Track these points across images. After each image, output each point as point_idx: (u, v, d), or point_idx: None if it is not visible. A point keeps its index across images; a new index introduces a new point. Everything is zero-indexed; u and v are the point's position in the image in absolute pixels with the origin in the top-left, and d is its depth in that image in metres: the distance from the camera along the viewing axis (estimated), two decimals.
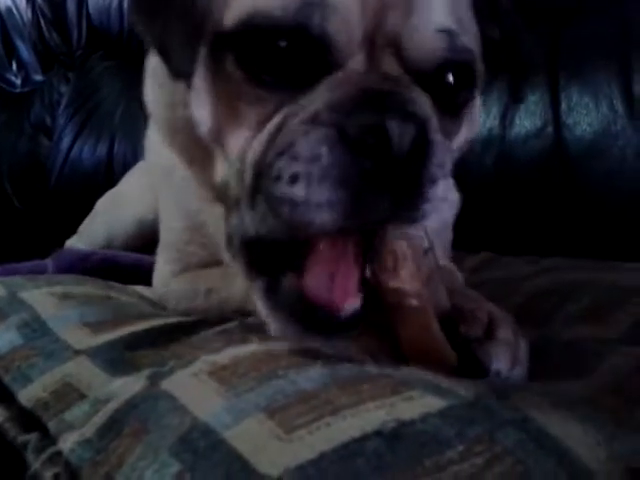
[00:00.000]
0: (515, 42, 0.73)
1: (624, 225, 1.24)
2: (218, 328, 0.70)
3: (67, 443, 0.52)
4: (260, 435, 0.42)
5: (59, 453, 0.52)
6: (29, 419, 0.61)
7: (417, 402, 0.44)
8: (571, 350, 0.63)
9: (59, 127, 2.35)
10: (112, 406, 0.53)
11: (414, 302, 0.58)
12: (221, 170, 0.63)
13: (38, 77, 2.56)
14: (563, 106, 1.27)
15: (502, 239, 1.28)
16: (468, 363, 0.58)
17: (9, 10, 2.57)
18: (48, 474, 0.52)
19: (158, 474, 0.42)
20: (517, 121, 1.32)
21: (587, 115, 1.25)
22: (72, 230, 1.62)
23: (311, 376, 0.49)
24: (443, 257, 0.88)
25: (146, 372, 0.56)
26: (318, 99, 0.54)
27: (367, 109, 0.52)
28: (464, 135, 0.68)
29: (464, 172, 0.80)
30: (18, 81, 2.64)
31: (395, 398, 0.45)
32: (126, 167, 1.87)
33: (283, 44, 0.55)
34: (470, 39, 0.62)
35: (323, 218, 0.52)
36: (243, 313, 0.77)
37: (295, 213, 0.53)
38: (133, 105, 2.12)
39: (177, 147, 0.70)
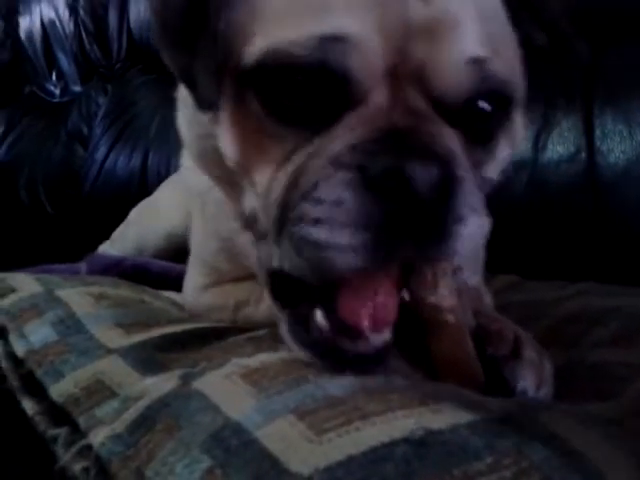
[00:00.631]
0: (564, 49, 0.70)
1: None
2: (248, 334, 0.71)
3: (98, 437, 0.53)
4: (291, 436, 0.43)
5: (89, 447, 0.53)
6: (60, 414, 0.62)
7: (445, 414, 0.45)
8: (597, 373, 0.63)
9: (95, 137, 2.40)
10: (144, 403, 0.54)
11: (450, 318, 0.59)
12: (249, 202, 0.63)
13: (77, 88, 2.61)
14: (597, 132, 1.27)
15: (531, 263, 1.27)
16: (495, 382, 0.59)
17: (52, 22, 2.63)
18: (77, 467, 0.53)
19: (188, 469, 0.43)
20: (550, 146, 1.31)
21: (621, 142, 1.24)
22: (102, 238, 1.65)
23: (340, 383, 0.50)
24: (474, 278, 0.87)
25: (178, 372, 0.57)
26: (339, 139, 0.53)
27: (388, 150, 0.51)
28: (503, 155, 0.66)
29: (495, 195, 0.81)
30: (57, 91, 2.70)
31: (423, 409, 0.45)
32: (159, 179, 1.89)
33: (303, 80, 0.54)
34: (504, 61, 0.59)
35: (346, 260, 0.50)
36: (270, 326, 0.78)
37: (318, 255, 0.51)
38: (168, 119, 2.13)
39: (209, 174, 0.71)
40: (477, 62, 0.56)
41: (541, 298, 0.97)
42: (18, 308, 0.82)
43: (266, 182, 0.59)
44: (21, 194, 2.55)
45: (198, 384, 0.54)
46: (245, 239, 0.74)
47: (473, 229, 0.53)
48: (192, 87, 0.60)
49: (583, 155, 1.28)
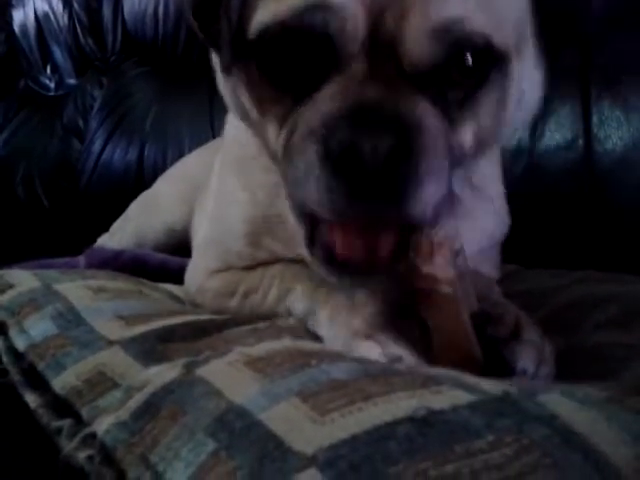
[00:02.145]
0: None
1: None
2: (249, 326, 0.72)
3: (102, 425, 0.53)
4: (295, 417, 0.44)
5: (93, 436, 0.54)
6: (62, 406, 0.63)
7: (446, 395, 0.45)
8: (597, 355, 0.63)
9: (91, 130, 2.39)
10: (147, 391, 0.54)
11: (446, 289, 0.59)
12: (272, 148, 0.70)
13: (72, 81, 2.61)
14: (594, 119, 1.28)
15: (530, 251, 1.27)
16: (494, 362, 0.59)
17: (46, 15, 2.62)
18: (82, 455, 0.53)
19: (193, 452, 0.44)
20: (547, 133, 1.32)
21: (618, 128, 1.25)
22: (99, 231, 1.66)
23: (343, 368, 0.50)
24: (493, 272, 0.92)
25: (181, 361, 0.58)
26: (316, 108, 0.61)
27: (349, 125, 0.57)
28: (498, 111, 0.66)
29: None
30: (52, 84, 2.69)
31: (425, 390, 0.46)
32: (156, 172, 1.89)
33: (293, 49, 0.61)
34: (492, 13, 0.60)
35: (319, 211, 0.61)
36: (273, 317, 0.78)
37: (301, 205, 0.64)
38: (164, 111, 2.16)
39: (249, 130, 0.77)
40: (447, 27, 0.58)
41: (541, 287, 0.98)
42: (17, 304, 0.82)
43: (274, 137, 0.67)
44: (17, 189, 2.55)
45: (201, 371, 0.54)
46: (281, 209, 0.80)
47: (431, 192, 0.59)
48: (218, 52, 0.70)
49: (580, 142, 1.28)
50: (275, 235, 0.85)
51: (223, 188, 0.96)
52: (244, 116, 0.74)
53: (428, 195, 0.59)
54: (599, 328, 0.72)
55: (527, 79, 0.69)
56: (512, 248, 1.01)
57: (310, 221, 0.66)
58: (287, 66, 0.63)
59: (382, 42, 0.59)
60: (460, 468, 0.38)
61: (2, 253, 1.62)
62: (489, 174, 0.88)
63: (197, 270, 0.96)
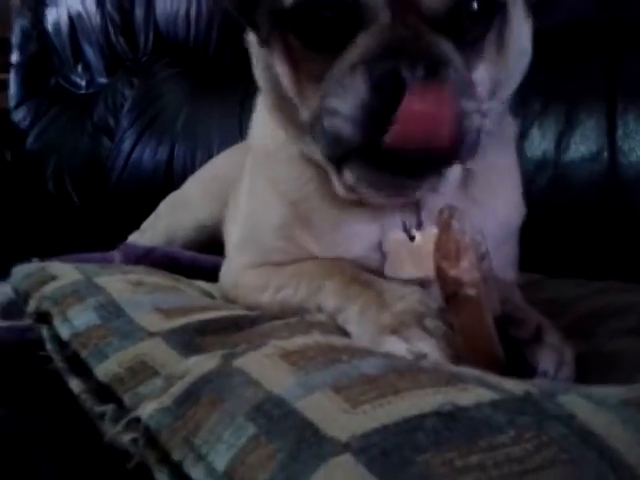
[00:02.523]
0: None
1: None
2: (281, 322, 0.74)
3: (146, 410, 0.56)
4: (329, 407, 0.46)
5: (136, 420, 0.57)
6: (105, 392, 0.66)
7: (471, 392, 0.48)
8: (613, 361, 0.66)
9: (121, 129, 2.43)
10: (187, 380, 0.57)
11: (471, 291, 0.61)
12: (304, 115, 0.77)
13: (103, 80, 2.66)
14: (619, 132, 1.29)
15: (553, 262, 1.29)
16: (516, 363, 0.62)
17: (79, 15, 2.67)
18: (126, 438, 0.57)
19: (235, 435, 0.47)
20: (572, 145, 1.33)
21: None
22: (129, 229, 1.69)
23: (372, 363, 0.53)
24: (508, 271, 0.92)
25: (219, 352, 0.61)
26: (356, 50, 0.69)
27: (390, 55, 0.66)
28: (499, 55, 0.76)
29: None
30: (83, 83, 2.75)
31: (450, 387, 0.49)
32: (185, 172, 1.93)
33: (327, 14, 0.71)
34: None
35: (353, 136, 0.68)
36: (303, 313, 0.81)
37: (335, 135, 0.70)
38: (195, 113, 2.19)
39: (277, 110, 0.85)
40: None
41: (563, 296, 1.00)
42: (61, 294, 0.86)
43: (311, 95, 0.75)
44: (48, 184, 2.59)
45: (238, 362, 0.57)
46: (311, 203, 0.86)
47: (471, 110, 0.69)
48: (255, 29, 0.79)
49: (605, 155, 1.29)
50: (306, 228, 0.88)
51: (253, 185, 0.99)
52: (276, 91, 0.81)
53: (470, 114, 0.68)
54: (616, 336, 0.74)
55: (520, 28, 0.79)
56: (537, 258, 1.04)
57: (342, 154, 0.72)
58: (321, 28, 0.72)
59: None
60: (484, 459, 0.41)
61: (33, 248, 1.66)
62: (504, 161, 0.92)
63: (232, 267, 1.00)
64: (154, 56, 2.44)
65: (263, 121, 0.94)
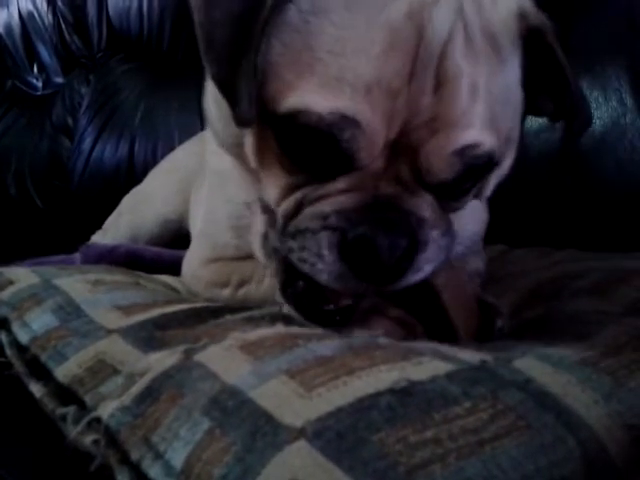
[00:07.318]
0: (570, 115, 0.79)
1: (635, 217, 1.26)
2: (244, 314, 0.74)
3: (106, 410, 0.55)
4: (283, 393, 0.46)
5: (97, 420, 0.56)
6: (66, 394, 0.65)
7: (426, 366, 0.48)
8: (574, 320, 0.67)
9: (80, 128, 2.39)
10: (148, 377, 0.57)
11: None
12: (270, 193, 0.69)
13: (59, 79, 2.60)
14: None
15: (514, 232, 1.30)
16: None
17: (30, 14, 2.62)
18: (88, 439, 0.56)
19: (191, 431, 0.46)
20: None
21: (597, 109, 1.27)
22: (93, 229, 1.67)
23: (328, 345, 0.53)
24: (478, 265, 0.96)
25: (180, 348, 0.60)
26: (331, 200, 0.64)
27: (365, 221, 0.61)
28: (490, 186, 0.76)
29: None
30: (39, 84, 2.69)
31: (405, 363, 0.49)
32: (147, 167, 1.90)
33: (316, 142, 0.62)
34: (500, 133, 0.65)
35: (328, 283, 0.64)
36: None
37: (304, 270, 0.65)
38: (153, 107, 2.17)
39: (236, 161, 0.76)
40: (468, 149, 0.63)
41: (525, 267, 1.01)
42: (18, 299, 0.84)
43: (276, 198, 0.68)
44: (10, 189, 2.55)
45: (199, 357, 0.57)
46: (254, 221, 0.80)
47: (429, 270, 0.66)
48: (233, 104, 0.63)
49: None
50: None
51: (212, 186, 0.99)
52: (234, 145, 0.72)
53: (427, 273, 0.66)
54: (577, 296, 0.75)
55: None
56: (496, 228, 1.04)
57: (288, 271, 0.69)
58: (307, 150, 0.64)
59: (403, 152, 0.63)
60: (438, 433, 0.41)
61: None
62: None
63: (193, 258, 1.00)
64: (109, 52, 2.41)
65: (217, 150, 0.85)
